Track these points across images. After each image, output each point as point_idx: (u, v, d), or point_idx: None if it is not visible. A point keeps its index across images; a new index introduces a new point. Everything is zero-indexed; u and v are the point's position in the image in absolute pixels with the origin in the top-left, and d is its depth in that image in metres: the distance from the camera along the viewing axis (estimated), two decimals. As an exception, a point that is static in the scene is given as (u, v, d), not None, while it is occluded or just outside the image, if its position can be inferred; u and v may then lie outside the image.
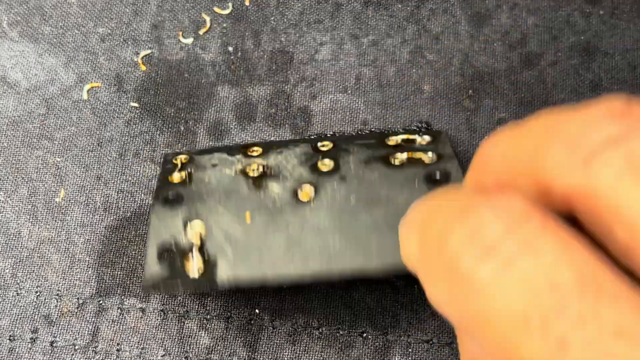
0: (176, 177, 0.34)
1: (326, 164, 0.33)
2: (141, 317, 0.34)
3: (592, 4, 0.36)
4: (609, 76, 0.35)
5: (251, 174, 0.33)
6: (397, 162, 0.32)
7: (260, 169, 0.33)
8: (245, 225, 0.31)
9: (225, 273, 0.30)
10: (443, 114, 0.36)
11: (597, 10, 0.36)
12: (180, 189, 0.33)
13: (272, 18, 0.38)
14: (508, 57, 0.36)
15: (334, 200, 0.32)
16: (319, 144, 0.34)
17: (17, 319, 0.34)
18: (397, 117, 0.36)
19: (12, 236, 0.35)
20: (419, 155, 0.32)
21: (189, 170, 0.34)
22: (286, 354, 0.33)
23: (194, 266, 0.31)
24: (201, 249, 0.31)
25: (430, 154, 0.32)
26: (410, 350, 0.33)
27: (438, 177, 0.32)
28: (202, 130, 0.36)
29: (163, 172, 0.34)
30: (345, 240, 0.31)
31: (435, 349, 0.32)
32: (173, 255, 0.31)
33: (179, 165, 0.34)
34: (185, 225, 0.31)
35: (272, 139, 0.36)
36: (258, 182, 0.33)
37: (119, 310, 0.34)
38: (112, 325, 0.34)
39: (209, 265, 0.31)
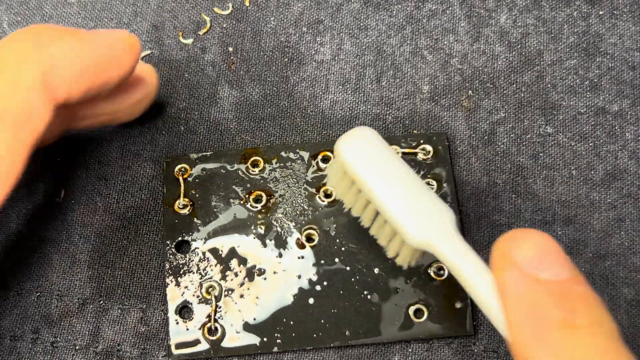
0: (180, 205, 0.34)
1: (326, 198, 0.34)
2: (142, 317, 0.34)
3: (591, 4, 0.37)
4: (608, 76, 0.35)
5: (255, 208, 0.34)
6: None
7: (264, 200, 0.34)
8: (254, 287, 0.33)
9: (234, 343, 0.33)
10: (443, 114, 0.36)
11: (596, 11, 0.36)
12: (188, 230, 0.34)
13: (272, 18, 0.38)
14: (507, 57, 0.36)
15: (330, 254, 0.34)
16: (319, 157, 0.35)
17: (18, 319, 0.34)
18: (397, 117, 0.36)
19: (12, 236, 0.35)
20: None
21: (192, 194, 0.35)
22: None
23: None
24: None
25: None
26: (410, 350, 0.33)
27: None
28: (202, 130, 0.36)
29: (168, 191, 0.35)
30: (351, 311, 0.33)
31: (435, 349, 0.32)
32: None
33: (182, 184, 0.35)
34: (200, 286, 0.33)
35: (272, 139, 0.36)
36: (263, 223, 0.34)
37: (119, 311, 0.34)
38: (113, 325, 0.34)
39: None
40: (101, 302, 0.34)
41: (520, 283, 0.24)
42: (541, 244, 0.24)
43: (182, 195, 0.35)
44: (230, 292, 0.33)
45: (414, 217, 0.28)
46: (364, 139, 0.29)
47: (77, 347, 0.34)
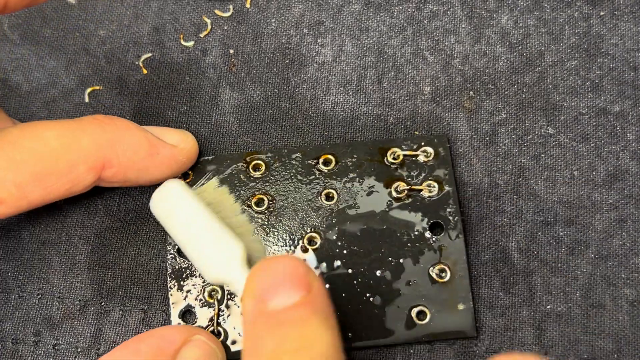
0: None
1: (328, 201, 0.34)
2: (143, 318, 0.34)
3: (592, 5, 0.37)
4: (609, 77, 0.35)
5: (257, 212, 0.34)
6: (397, 195, 0.34)
7: (265, 204, 0.34)
8: None
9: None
10: (444, 115, 0.36)
11: (597, 12, 0.36)
12: None
13: (272, 20, 0.38)
14: (509, 58, 0.36)
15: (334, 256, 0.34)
16: (320, 160, 0.35)
17: (19, 322, 0.34)
18: (398, 118, 0.36)
19: (13, 239, 0.35)
20: (419, 187, 0.34)
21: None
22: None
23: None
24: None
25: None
26: (412, 351, 0.32)
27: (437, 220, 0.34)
28: (204, 133, 0.36)
29: None
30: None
31: (437, 350, 0.32)
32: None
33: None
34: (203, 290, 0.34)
35: (273, 141, 0.36)
36: (264, 225, 0.34)
37: (120, 312, 0.34)
38: (115, 327, 0.34)
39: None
40: (102, 303, 0.34)
41: (250, 314, 0.25)
42: (273, 271, 0.26)
43: None
44: (232, 295, 0.33)
45: (203, 263, 0.31)
46: (168, 195, 0.32)
47: (79, 350, 0.33)
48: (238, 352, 0.32)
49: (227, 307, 0.33)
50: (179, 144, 0.33)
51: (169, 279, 0.33)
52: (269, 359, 0.24)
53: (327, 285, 0.33)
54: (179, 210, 0.31)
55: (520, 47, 0.36)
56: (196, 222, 0.31)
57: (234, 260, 0.30)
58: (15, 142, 0.30)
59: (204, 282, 0.33)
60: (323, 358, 0.24)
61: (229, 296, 0.33)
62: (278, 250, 0.33)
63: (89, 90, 0.38)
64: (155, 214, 0.33)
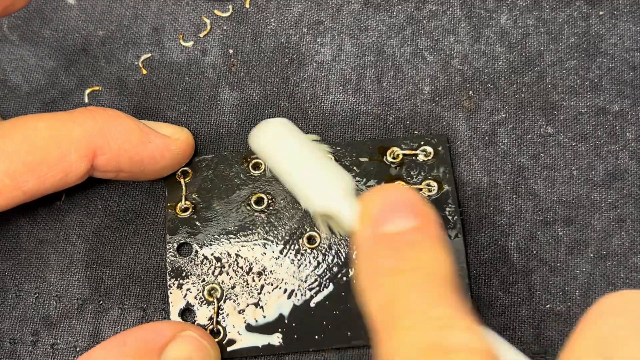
0: (182, 207, 0.34)
1: None
2: (142, 317, 0.34)
3: (591, 4, 0.37)
4: (608, 77, 0.35)
5: (256, 210, 0.34)
6: None
7: (265, 202, 0.34)
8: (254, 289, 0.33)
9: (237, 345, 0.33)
10: (443, 114, 0.36)
11: (596, 11, 0.37)
12: (190, 233, 0.34)
13: (272, 20, 0.38)
14: (508, 57, 0.36)
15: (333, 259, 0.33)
16: None
17: (17, 322, 0.34)
18: (398, 118, 0.36)
19: (10, 238, 0.35)
20: (418, 186, 0.34)
21: (194, 197, 0.35)
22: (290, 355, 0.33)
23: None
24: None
25: (430, 182, 0.34)
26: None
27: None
28: (203, 132, 0.36)
29: (169, 194, 0.35)
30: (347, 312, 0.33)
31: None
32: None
33: (184, 187, 0.35)
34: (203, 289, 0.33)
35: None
36: (262, 221, 0.34)
37: (119, 311, 0.34)
38: (113, 326, 0.34)
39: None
40: (101, 302, 0.34)
41: (365, 237, 0.26)
42: (389, 198, 0.26)
43: (183, 198, 0.34)
44: (232, 294, 0.33)
45: (311, 189, 0.29)
46: (268, 130, 0.30)
47: (77, 349, 0.33)
48: (236, 351, 0.32)
49: (227, 305, 0.33)
50: (173, 135, 0.34)
51: (168, 278, 0.33)
52: (389, 275, 0.25)
53: (327, 284, 0.33)
54: (290, 139, 0.30)
55: (519, 46, 0.36)
56: (306, 151, 0.30)
57: (347, 188, 0.29)
58: (6, 134, 0.30)
59: (203, 280, 0.33)
60: (440, 277, 0.24)
61: (227, 295, 0.33)
62: (278, 250, 0.33)
63: (88, 90, 0.38)
64: (260, 141, 0.30)
